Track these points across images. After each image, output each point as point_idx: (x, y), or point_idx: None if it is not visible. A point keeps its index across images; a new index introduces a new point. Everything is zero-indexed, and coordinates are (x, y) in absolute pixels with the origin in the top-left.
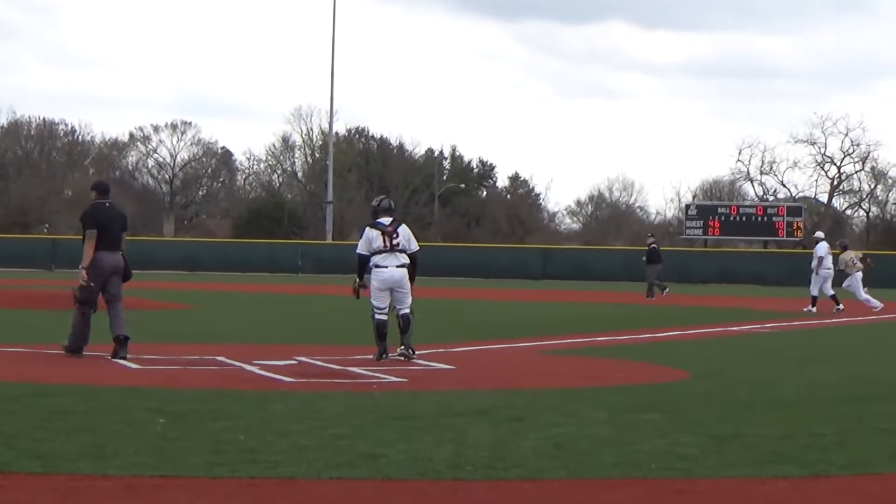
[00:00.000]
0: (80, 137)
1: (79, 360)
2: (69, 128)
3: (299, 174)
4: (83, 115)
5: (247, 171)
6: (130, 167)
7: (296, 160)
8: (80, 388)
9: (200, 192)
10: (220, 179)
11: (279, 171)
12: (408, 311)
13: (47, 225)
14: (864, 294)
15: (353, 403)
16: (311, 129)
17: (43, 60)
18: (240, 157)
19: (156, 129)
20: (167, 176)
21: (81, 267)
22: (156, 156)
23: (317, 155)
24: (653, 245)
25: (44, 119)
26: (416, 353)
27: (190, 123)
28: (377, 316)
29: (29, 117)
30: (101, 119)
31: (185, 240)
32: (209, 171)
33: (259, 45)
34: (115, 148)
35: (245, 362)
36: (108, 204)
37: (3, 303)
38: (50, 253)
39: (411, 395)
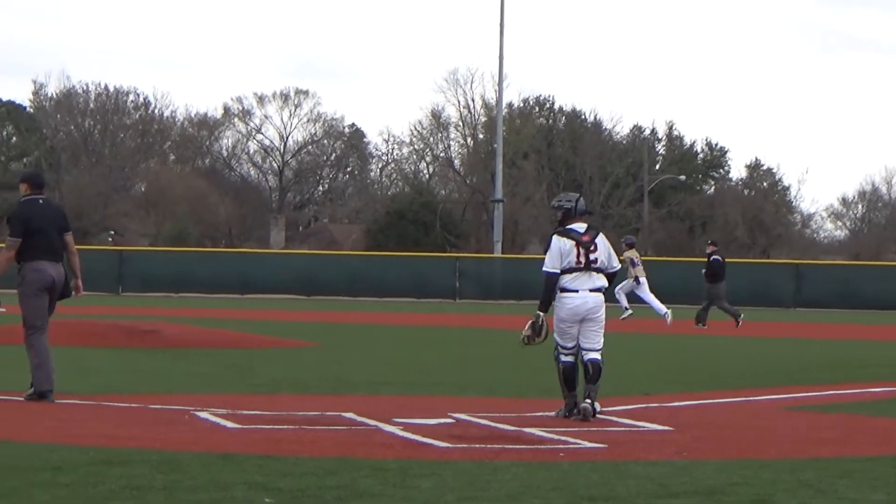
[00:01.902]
0: (156, 112)
1: (156, 418)
2: (142, 99)
3: (456, 162)
4: (160, 81)
5: (385, 157)
6: (225, 153)
7: (451, 143)
8: (159, 455)
9: (320, 188)
10: (348, 169)
11: (428, 158)
12: (598, 355)
13: (112, 232)
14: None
15: (531, 478)
16: (472, 101)
17: (106, 9)
18: (374, 138)
19: (260, 100)
20: (275, 165)
21: None
22: (260, 137)
23: (480, 136)
24: (714, 257)
25: (107, 87)
26: (603, 409)
27: (306, 93)
28: (563, 358)
29: (87, 85)
30: (184, 87)
31: (301, 253)
32: (333, 157)
33: None
34: (205, 127)
35: (383, 421)
36: (41, 201)
37: (55, 338)
38: (116, 269)
39: (612, 468)
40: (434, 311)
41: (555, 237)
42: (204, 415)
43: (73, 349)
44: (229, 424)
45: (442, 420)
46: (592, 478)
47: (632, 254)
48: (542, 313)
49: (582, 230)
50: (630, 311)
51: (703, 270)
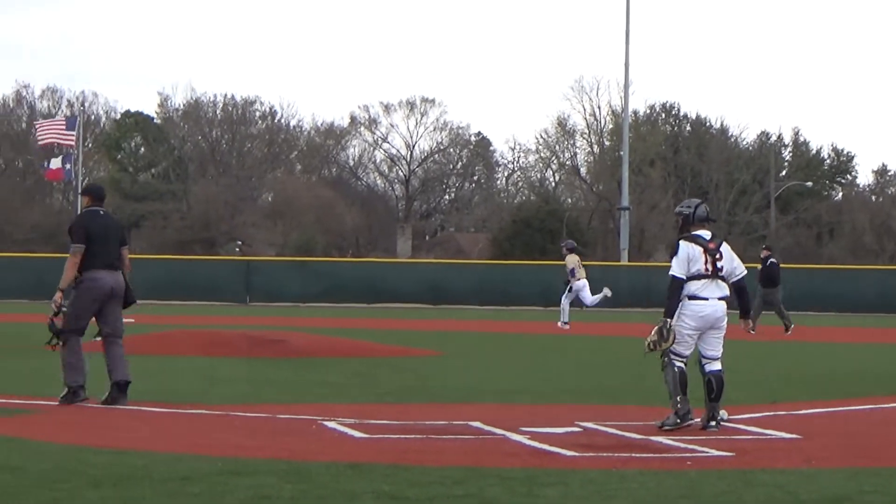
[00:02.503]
0: (282, 122)
1: (284, 428)
2: (268, 109)
3: (582, 170)
4: (286, 91)
5: (511, 166)
6: (352, 162)
7: (577, 151)
8: (286, 465)
9: (447, 197)
10: (474, 178)
11: (554, 167)
12: (720, 364)
13: (240, 242)
14: (591, 298)
15: (658, 487)
16: (598, 109)
17: (232, 20)
18: (501, 146)
19: (386, 109)
20: (402, 174)
21: (59, 289)
22: (386, 146)
23: (606, 143)
24: (771, 261)
25: (234, 98)
26: (730, 417)
27: (432, 101)
28: (676, 362)
29: (214, 96)
30: (311, 97)
31: (428, 262)
32: (459, 166)
33: None
34: (331, 136)
35: (509, 429)
36: (102, 212)
37: (184, 348)
38: (244, 280)
39: (740, 476)
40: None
41: (682, 242)
42: (331, 424)
43: (202, 359)
44: (357, 434)
45: (569, 429)
46: (720, 486)
47: (572, 259)
48: (668, 319)
49: (708, 237)
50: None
51: (759, 276)
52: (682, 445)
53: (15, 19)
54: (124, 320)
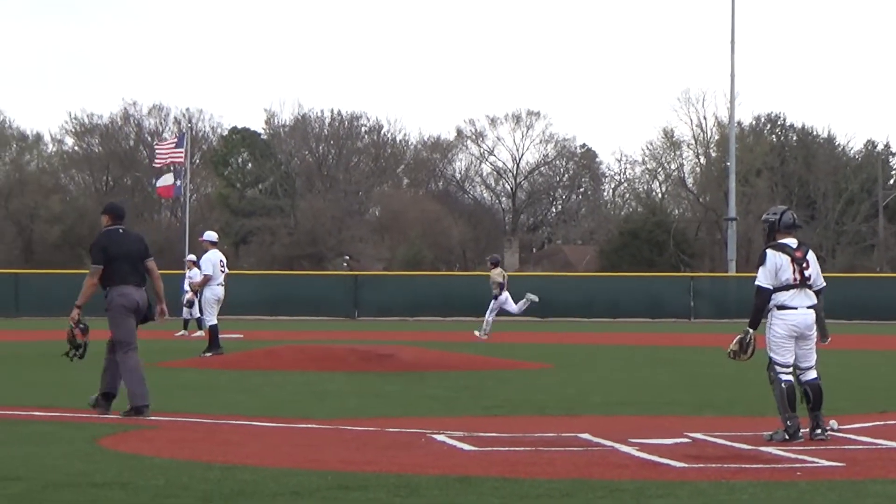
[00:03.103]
0: (389, 136)
1: (393, 442)
2: (374, 123)
3: (688, 181)
4: (393, 106)
5: (617, 177)
6: (458, 175)
7: (684, 162)
8: (396, 479)
9: (554, 209)
10: (581, 190)
11: (661, 178)
12: (816, 373)
13: (347, 257)
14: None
15: (769, 498)
16: (704, 120)
17: (338, 36)
18: (607, 158)
19: (492, 122)
20: (508, 187)
21: (76, 305)
22: (493, 159)
23: (712, 154)
24: None
25: (340, 113)
26: (840, 426)
27: (538, 114)
28: (783, 377)
29: (320, 112)
30: (416, 111)
31: (535, 275)
32: (565, 178)
33: (633, 11)
34: (438, 150)
35: (618, 441)
36: (121, 230)
37: (293, 363)
38: (352, 294)
39: (850, 486)
40: (669, 330)
41: (769, 251)
42: (440, 437)
43: (311, 373)
44: (466, 447)
45: (678, 440)
46: (830, 497)
47: (497, 272)
48: (751, 330)
49: (794, 245)
50: (487, 336)
51: None
52: (792, 456)
53: (121, 38)
54: (234, 336)
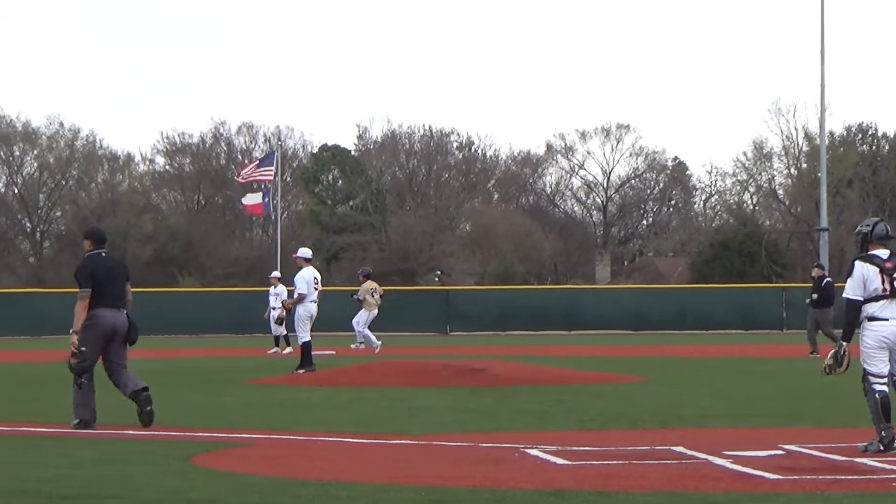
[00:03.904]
0: (479, 152)
1: (486, 457)
2: (464, 139)
3: (779, 192)
4: (483, 121)
5: (708, 190)
6: (549, 190)
7: (774, 173)
8: (489, 493)
9: (644, 222)
10: (672, 202)
11: (752, 189)
12: None
13: (439, 272)
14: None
15: None
16: (795, 131)
17: (426, 54)
18: (698, 170)
19: (582, 136)
20: (599, 200)
21: (72, 331)
22: (583, 173)
23: (803, 165)
24: (828, 280)
25: (431, 129)
26: None
27: (627, 127)
28: (877, 387)
29: (410, 128)
30: (506, 126)
31: (626, 287)
32: (656, 191)
33: (722, 23)
34: (528, 164)
35: (712, 453)
36: (104, 254)
37: (385, 378)
38: (444, 310)
39: None
40: (761, 342)
41: (857, 262)
42: (534, 452)
43: (404, 389)
44: (559, 461)
45: (772, 451)
46: None
47: (368, 285)
48: (844, 343)
49: (885, 256)
50: (376, 344)
51: (814, 295)
52: (887, 467)
53: (211, 58)
54: (326, 352)
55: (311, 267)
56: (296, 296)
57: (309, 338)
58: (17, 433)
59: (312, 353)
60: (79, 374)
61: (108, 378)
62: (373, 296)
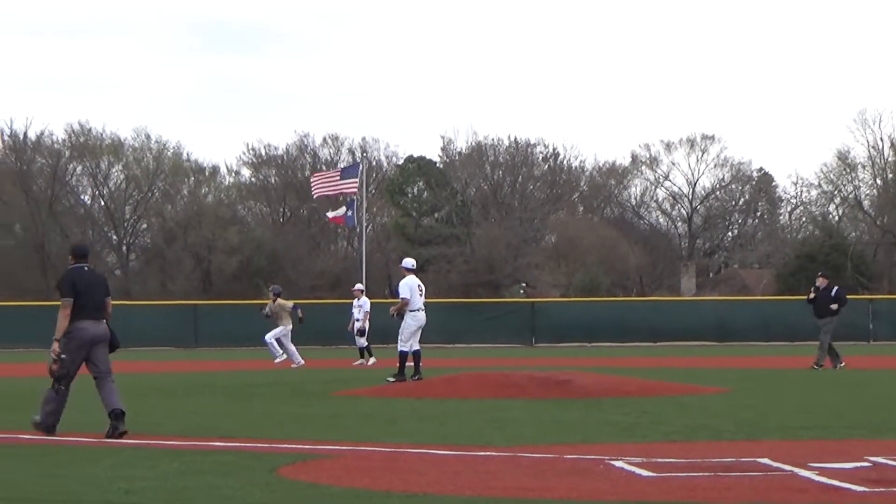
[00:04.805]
0: (565, 163)
1: (571, 468)
2: (550, 151)
3: (865, 203)
4: (568, 132)
5: (794, 201)
6: (634, 201)
7: (860, 184)
8: None
9: (730, 233)
10: (757, 214)
11: (837, 200)
12: None
13: (524, 284)
14: (279, 345)
15: None
16: (881, 141)
17: (511, 64)
18: (783, 181)
19: (667, 147)
20: (684, 211)
21: (54, 339)
22: (668, 184)
23: (889, 175)
24: (838, 288)
25: (516, 140)
26: None
27: (712, 138)
28: None
29: (495, 139)
30: (592, 137)
31: (712, 299)
32: (741, 202)
33: (807, 32)
34: (613, 175)
35: (798, 465)
36: (87, 268)
37: (471, 390)
38: (529, 321)
39: None
40: (847, 353)
41: None
42: (619, 463)
43: (489, 401)
44: (644, 473)
45: (858, 464)
46: None
47: (284, 302)
48: None
49: None
50: (283, 357)
51: (835, 306)
52: None
53: (295, 70)
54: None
55: (413, 276)
56: (400, 301)
57: (408, 348)
58: (103, 444)
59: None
60: (58, 380)
61: (95, 387)
62: (289, 310)
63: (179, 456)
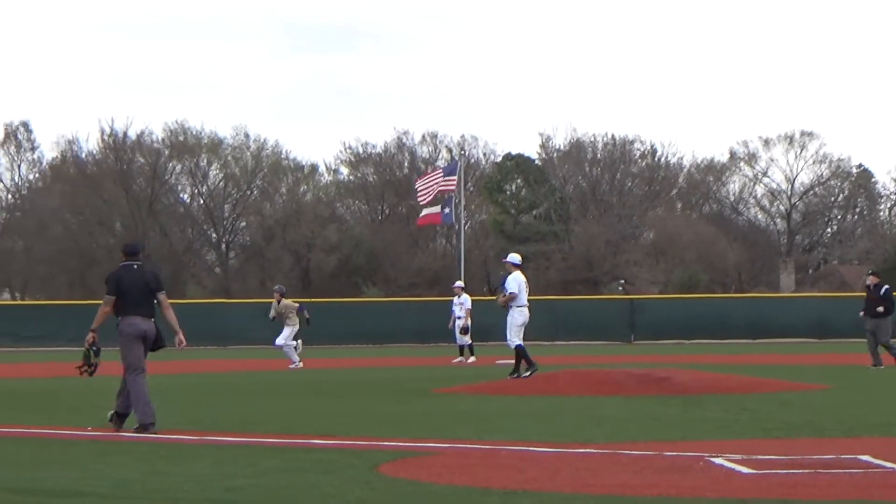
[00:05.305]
0: (662, 160)
1: (671, 465)
2: (648, 148)
3: None
4: (666, 129)
5: (893, 197)
6: (732, 197)
7: None
8: (674, 502)
9: (829, 229)
10: (857, 210)
11: None
12: None
13: (623, 281)
14: (282, 341)
15: None
16: None
17: (608, 61)
18: (883, 177)
19: (766, 143)
20: (783, 208)
21: (90, 329)
22: (766, 180)
23: None
24: (887, 287)
25: (614, 137)
26: None
27: (811, 134)
28: None
29: (593, 136)
30: (690, 134)
31: (811, 295)
32: (840, 198)
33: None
34: (711, 172)
35: None
36: (135, 266)
37: (570, 387)
38: (627, 318)
39: None
40: None
41: None
42: (718, 461)
43: (588, 398)
44: (744, 470)
45: None
46: None
47: (289, 303)
48: None
49: None
50: (300, 365)
51: (881, 309)
52: None
53: (393, 68)
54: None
55: (519, 272)
56: (507, 294)
57: (521, 342)
58: (204, 442)
59: (499, 361)
60: (87, 364)
61: (123, 380)
62: (295, 311)
63: (280, 453)
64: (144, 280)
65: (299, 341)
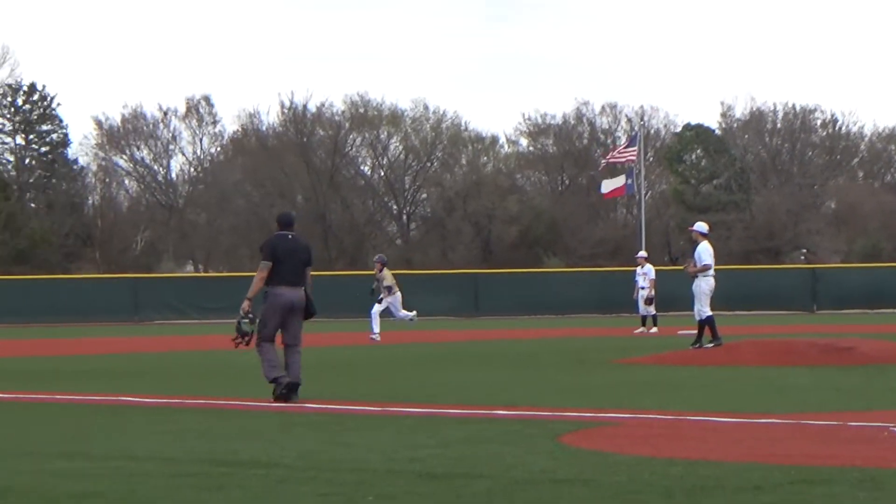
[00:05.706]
0: (843, 129)
1: (856, 436)
2: (829, 117)
3: None
4: (847, 99)
5: None
6: None
7: None
8: (859, 473)
9: None
10: None
11: None
12: None
13: (804, 250)
14: (401, 313)
15: None
16: None
17: (787, 24)
18: None
19: None
20: None
21: (246, 298)
22: None
23: None
24: None
25: (794, 107)
26: None
27: None
28: None
29: (774, 106)
30: (871, 103)
31: None
32: None
33: None
34: (893, 141)
35: None
36: (290, 236)
37: (752, 357)
38: (810, 288)
39: None
40: None
41: None
42: None
43: (770, 368)
44: None
45: None
46: None
47: (389, 274)
48: None
49: None
50: (377, 337)
51: None
52: None
53: (574, 38)
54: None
55: (707, 241)
56: (701, 265)
57: (710, 312)
58: (386, 413)
59: (681, 331)
60: (242, 335)
61: (283, 353)
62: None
63: (463, 424)
64: (298, 251)
65: (414, 312)
